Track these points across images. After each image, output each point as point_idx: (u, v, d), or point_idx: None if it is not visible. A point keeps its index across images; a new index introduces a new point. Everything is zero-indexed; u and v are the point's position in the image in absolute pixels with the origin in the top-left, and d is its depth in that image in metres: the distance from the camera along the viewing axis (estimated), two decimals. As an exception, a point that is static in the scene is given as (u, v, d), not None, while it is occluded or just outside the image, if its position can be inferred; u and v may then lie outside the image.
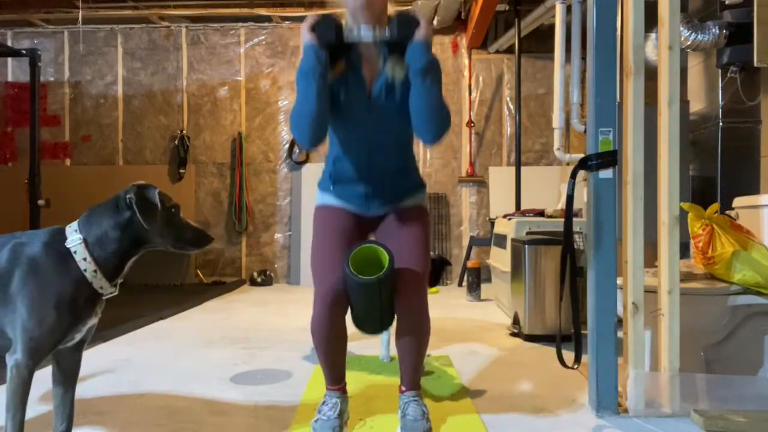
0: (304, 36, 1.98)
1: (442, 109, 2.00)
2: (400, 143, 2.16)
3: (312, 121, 1.97)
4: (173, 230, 1.80)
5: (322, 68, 1.95)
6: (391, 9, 2.09)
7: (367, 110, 2.06)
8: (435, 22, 6.59)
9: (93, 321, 1.80)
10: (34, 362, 1.69)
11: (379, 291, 1.96)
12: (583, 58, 4.54)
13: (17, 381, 1.68)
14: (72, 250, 1.70)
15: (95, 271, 1.71)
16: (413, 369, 2.14)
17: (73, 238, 1.72)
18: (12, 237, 1.76)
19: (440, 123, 2.00)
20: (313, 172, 2.04)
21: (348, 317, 2.06)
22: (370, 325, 2.18)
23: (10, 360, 1.68)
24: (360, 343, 3.44)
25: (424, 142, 2.07)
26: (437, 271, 2.87)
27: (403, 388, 2.16)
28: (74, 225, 1.75)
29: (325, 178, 2.20)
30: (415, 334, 2.08)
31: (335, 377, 2.15)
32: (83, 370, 3.03)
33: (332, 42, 1.96)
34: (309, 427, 2.11)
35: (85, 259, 1.70)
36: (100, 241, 1.73)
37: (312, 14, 2.02)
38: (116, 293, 1.78)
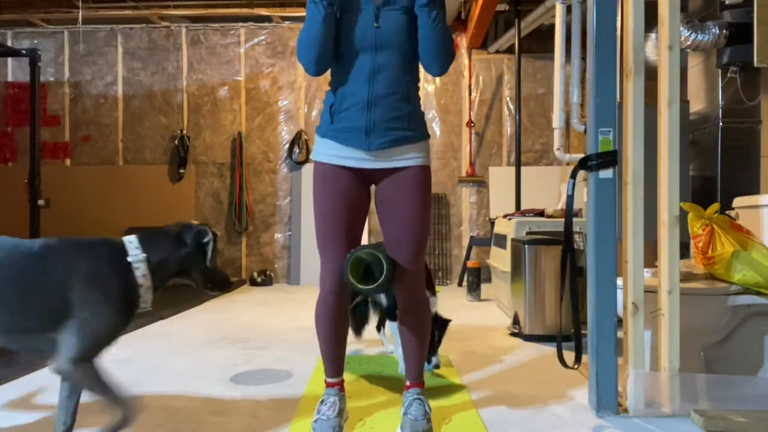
0: None
1: (448, 41, 2.05)
2: (404, 64, 2.07)
3: (318, 47, 2.00)
4: (211, 272, 2.00)
5: None
6: None
7: (373, 17, 2.03)
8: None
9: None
10: (89, 359, 1.77)
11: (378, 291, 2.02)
12: (583, 58, 4.54)
13: (87, 372, 1.76)
14: (134, 265, 1.84)
15: (149, 287, 1.86)
16: (416, 357, 2.19)
17: (137, 254, 1.85)
18: (62, 243, 1.83)
19: (446, 55, 2.06)
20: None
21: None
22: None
23: (63, 362, 1.74)
24: (360, 344, 3.44)
25: (431, 74, 2.10)
26: (440, 329, 2.85)
27: (408, 383, 2.19)
28: (134, 242, 1.88)
29: (326, 114, 2.12)
30: (416, 319, 2.16)
31: (335, 368, 2.19)
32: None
33: None
34: (309, 427, 2.12)
35: (144, 276, 1.84)
36: (160, 263, 1.89)
37: None
38: (149, 308, 1.90)
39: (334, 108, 2.09)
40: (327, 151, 2.10)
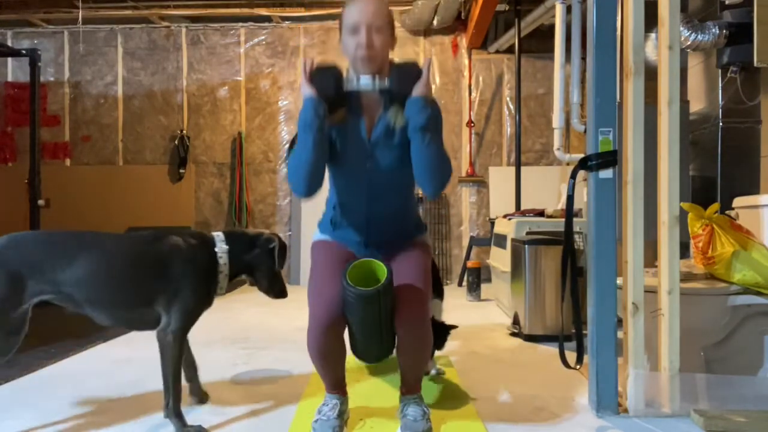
0: (303, 89, 1.99)
1: (443, 163, 2.01)
2: (401, 189, 2.15)
3: (308, 172, 1.99)
4: (273, 278, 2.34)
5: (320, 122, 1.96)
6: (395, 55, 2.14)
7: (366, 155, 2.06)
8: (435, 22, 6.59)
9: None
10: (185, 331, 2.16)
11: (378, 304, 1.91)
12: (583, 58, 4.54)
13: (176, 346, 2.11)
14: (219, 255, 2.20)
15: (226, 274, 2.21)
16: (414, 377, 2.14)
17: (222, 247, 2.21)
18: (166, 234, 2.19)
19: (441, 177, 2.02)
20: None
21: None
22: (371, 348, 2.12)
23: (165, 332, 2.11)
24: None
25: (425, 194, 2.08)
26: (442, 336, 2.82)
27: (404, 390, 2.16)
28: (221, 236, 2.24)
29: (326, 221, 2.22)
30: (417, 350, 2.06)
31: (335, 384, 2.15)
32: (83, 370, 3.03)
33: (331, 94, 1.99)
34: (309, 427, 2.11)
35: (225, 264, 2.20)
36: (236, 257, 2.24)
37: (312, 61, 2.05)
38: (224, 294, 2.26)
39: (334, 220, 2.19)
40: (328, 239, 2.22)
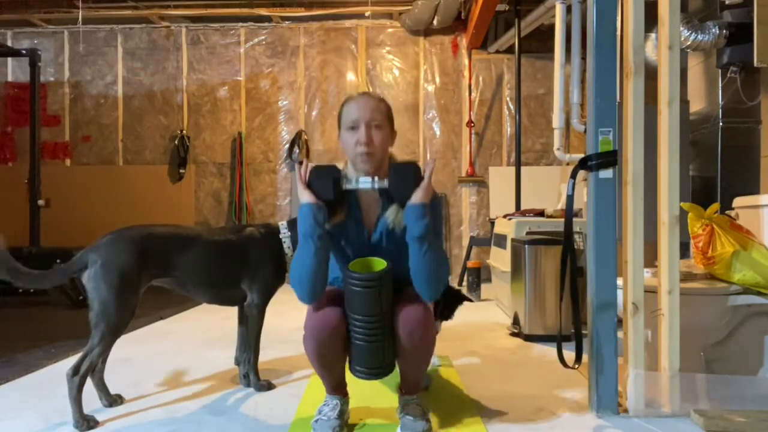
0: (301, 195, 1.98)
1: (440, 269, 1.97)
2: (406, 275, 2.04)
3: (311, 279, 1.97)
4: None
5: (321, 230, 1.95)
6: (393, 151, 2.11)
7: (368, 251, 2.05)
8: (435, 22, 6.59)
9: None
10: (266, 304, 2.62)
11: (379, 292, 1.92)
12: (583, 58, 4.54)
13: (260, 317, 2.60)
14: (283, 240, 2.61)
15: (291, 256, 2.58)
16: (414, 378, 2.13)
17: (285, 233, 2.62)
18: (244, 226, 2.65)
19: (437, 284, 1.98)
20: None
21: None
22: (371, 356, 2.01)
23: (250, 306, 2.59)
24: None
25: (422, 297, 2.01)
26: (453, 305, 2.82)
27: (404, 390, 2.16)
28: (284, 224, 2.64)
29: (336, 280, 2.17)
30: (417, 351, 2.01)
31: (335, 387, 2.15)
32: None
33: (330, 197, 1.98)
34: (309, 427, 2.12)
35: (288, 248, 2.60)
36: (296, 240, 2.35)
37: (312, 165, 2.07)
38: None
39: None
40: None
